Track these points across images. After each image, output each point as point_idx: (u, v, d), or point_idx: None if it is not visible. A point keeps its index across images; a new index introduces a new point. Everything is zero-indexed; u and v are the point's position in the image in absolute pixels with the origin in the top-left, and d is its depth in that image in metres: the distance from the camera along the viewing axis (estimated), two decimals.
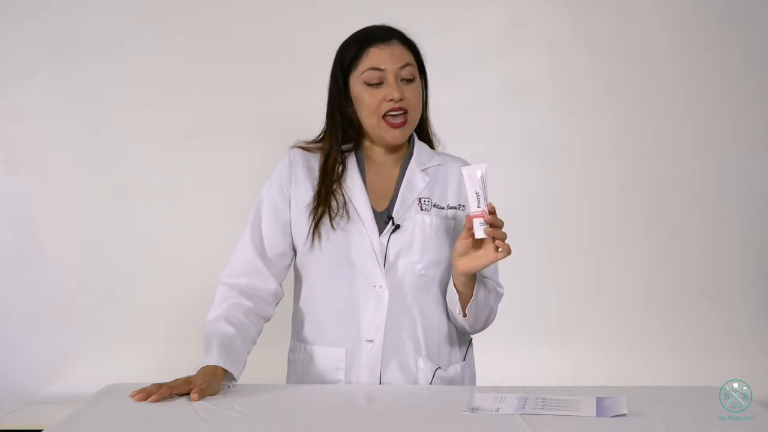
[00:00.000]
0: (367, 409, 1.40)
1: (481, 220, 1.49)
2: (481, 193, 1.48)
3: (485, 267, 1.56)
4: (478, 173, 1.48)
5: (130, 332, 3.11)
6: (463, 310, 1.64)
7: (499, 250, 1.51)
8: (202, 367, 1.52)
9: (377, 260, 1.66)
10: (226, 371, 1.53)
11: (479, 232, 1.49)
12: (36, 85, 3.13)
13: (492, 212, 1.49)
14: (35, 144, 3.15)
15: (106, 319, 3.12)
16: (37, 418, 2.78)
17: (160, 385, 1.43)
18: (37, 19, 3.11)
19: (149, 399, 1.40)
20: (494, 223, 1.50)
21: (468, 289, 1.63)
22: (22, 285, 3.13)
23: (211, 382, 1.47)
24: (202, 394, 1.43)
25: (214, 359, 1.53)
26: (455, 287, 1.63)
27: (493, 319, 1.75)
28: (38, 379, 3.07)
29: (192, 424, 1.30)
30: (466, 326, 1.69)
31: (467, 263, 1.56)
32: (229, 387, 1.53)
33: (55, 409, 2.80)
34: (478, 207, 1.48)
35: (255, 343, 1.67)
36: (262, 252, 1.71)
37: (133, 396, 1.41)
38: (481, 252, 1.54)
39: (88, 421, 1.32)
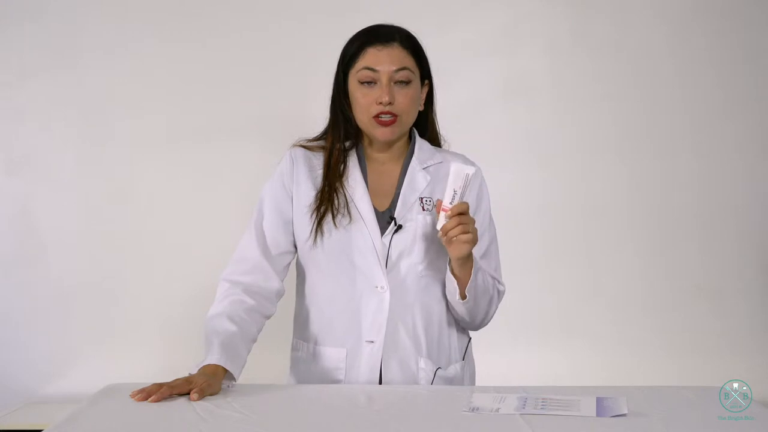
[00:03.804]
0: (367, 409, 1.40)
1: (446, 214, 1.55)
2: (458, 192, 1.55)
3: (469, 250, 1.57)
4: (465, 173, 1.54)
5: (130, 332, 3.11)
6: (462, 293, 1.64)
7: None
8: (203, 366, 1.52)
9: (379, 261, 1.66)
10: (226, 371, 1.53)
11: (440, 224, 1.56)
12: (36, 85, 3.12)
13: (463, 212, 1.53)
14: (35, 144, 3.14)
15: (106, 319, 3.11)
16: (37, 418, 2.78)
17: (160, 385, 1.43)
18: (37, 19, 3.11)
19: (149, 399, 1.40)
20: (461, 222, 1.53)
21: (464, 271, 1.63)
22: (22, 285, 3.12)
23: (211, 382, 1.47)
24: (202, 394, 1.43)
25: (215, 358, 1.53)
26: (452, 273, 1.64)
27: (494, 311, 1.75)
28: (38, 379, 3.06)
29: (192, 424, 1.30)
30: (466, 313, 1.69)
31: (456, 248, 1.57)
32: (228, 387, 1.53)
33: (55, 409, 2.80)
34: (450, 203, 1.55)
35: (255, 341, 1.67)
36: (265, 250, 1.71)
37: (133, 396, 1.41)
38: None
39: (88, 421, 1.32)
